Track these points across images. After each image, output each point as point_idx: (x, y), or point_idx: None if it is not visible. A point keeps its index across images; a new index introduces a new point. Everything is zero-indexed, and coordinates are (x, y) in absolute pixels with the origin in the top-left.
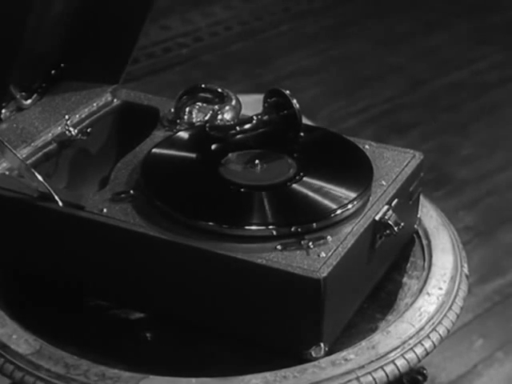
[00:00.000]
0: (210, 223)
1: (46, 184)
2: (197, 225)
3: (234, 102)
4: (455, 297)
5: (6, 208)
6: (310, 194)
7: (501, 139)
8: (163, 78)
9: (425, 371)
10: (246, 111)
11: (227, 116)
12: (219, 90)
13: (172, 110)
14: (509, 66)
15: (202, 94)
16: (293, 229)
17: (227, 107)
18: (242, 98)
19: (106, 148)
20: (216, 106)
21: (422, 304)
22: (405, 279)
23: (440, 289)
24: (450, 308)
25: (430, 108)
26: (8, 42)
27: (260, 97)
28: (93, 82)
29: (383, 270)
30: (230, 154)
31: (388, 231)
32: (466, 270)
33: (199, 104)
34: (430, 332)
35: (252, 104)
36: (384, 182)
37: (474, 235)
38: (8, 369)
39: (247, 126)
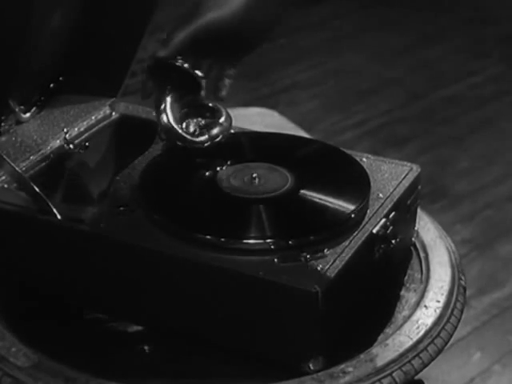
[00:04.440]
0: (208, 236)
1: (44, 197)
2: (195, 238)
3: (222, 119)
4: (453, 310)
5: (5, 221)
6: (308, 207)
7: (497, 152)
8: None
9: None
10: (244, 124)
11: (214, 131)
12: (210, 104)
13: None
14: (505, 79)
15: (198, 109)
16: (290, 242)
17: (214, 123)
18: (240, 112)
19: (105, 161)
20: (203, 121)
21: (419, 317)
22: (402, 292)
23: (438, 302)
24: (447, 321)
25: (426, 121)
26: (7, 56)
27: (259, 110)
28: (91, 95)
29: (381, 283)
30: (228, 167)
31: (385, 244)
32: (463, 283)
33: (197, 118)
34: (428, 345)
35: (250, 117)
36: (381, 195)
37: (472, 248)
38: (6, 382)
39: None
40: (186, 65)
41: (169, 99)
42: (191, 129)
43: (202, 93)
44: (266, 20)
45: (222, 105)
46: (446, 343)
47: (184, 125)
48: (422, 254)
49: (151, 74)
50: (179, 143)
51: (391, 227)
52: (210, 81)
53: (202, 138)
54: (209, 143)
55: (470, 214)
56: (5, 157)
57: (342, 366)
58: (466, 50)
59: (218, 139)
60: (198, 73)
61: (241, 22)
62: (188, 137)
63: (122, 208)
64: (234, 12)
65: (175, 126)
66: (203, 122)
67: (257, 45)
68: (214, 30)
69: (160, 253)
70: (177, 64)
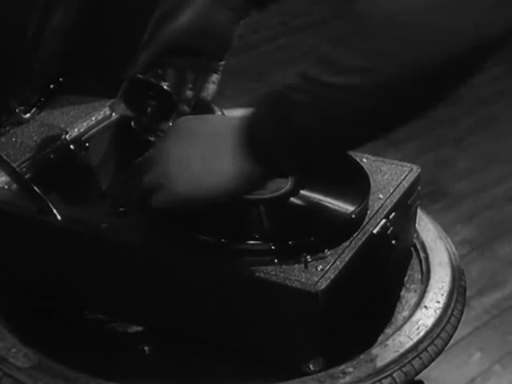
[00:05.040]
0: (209, 237)
1: (44, 198)
2: (195, 238)
3: None
4: (453, 310)
5: (5, 222)
6: (308, 207)
7: (497, 153)
8: None
9: None
10: None
11: None
12: (207, 105)
13: (170, 123)
14: (505, 80)
15: (193, 109)
16: (291, 243)
17: None
18: (239, 113)
19: (105, 162)
20: None
21: (419, 317)
22: (402, 292)
23: (438, 302)
24: (447, 321)
25: (426, 121)
26: (7, 57)
27: None
28: (91, 96)
29: (381, 284)
30: None
31: (385, 245)
32: (463, 284)
33: None
34: (428, 345)
35: None
36: (381, 196)
37: (472, 248)
38: (6, 382)
39: None
40: (152, 79)
41: (150, 116)
42: None
43: (186, 108)
44: (220, 25)
45: (217, 106)
46: (446, 344)
47: None
48: (422, 255)
49: (127, 97)
50: None
51: (391, 228)
52: (197, 90)
53: None
54: None
55: (470, 215)
56: (5, 157)
57: (343, 367)
58: None
59: None
60: (163, 84)
61: (196, 29)
62: None
63: (121, 209)
64: (188, 22)
65: None
66: None
67: (219, 49)
68: (173, 42)
69: (160, 253)
70: (145, 80)
